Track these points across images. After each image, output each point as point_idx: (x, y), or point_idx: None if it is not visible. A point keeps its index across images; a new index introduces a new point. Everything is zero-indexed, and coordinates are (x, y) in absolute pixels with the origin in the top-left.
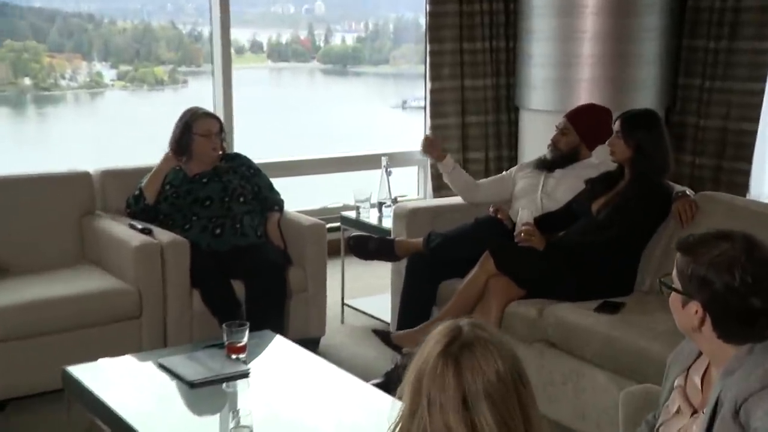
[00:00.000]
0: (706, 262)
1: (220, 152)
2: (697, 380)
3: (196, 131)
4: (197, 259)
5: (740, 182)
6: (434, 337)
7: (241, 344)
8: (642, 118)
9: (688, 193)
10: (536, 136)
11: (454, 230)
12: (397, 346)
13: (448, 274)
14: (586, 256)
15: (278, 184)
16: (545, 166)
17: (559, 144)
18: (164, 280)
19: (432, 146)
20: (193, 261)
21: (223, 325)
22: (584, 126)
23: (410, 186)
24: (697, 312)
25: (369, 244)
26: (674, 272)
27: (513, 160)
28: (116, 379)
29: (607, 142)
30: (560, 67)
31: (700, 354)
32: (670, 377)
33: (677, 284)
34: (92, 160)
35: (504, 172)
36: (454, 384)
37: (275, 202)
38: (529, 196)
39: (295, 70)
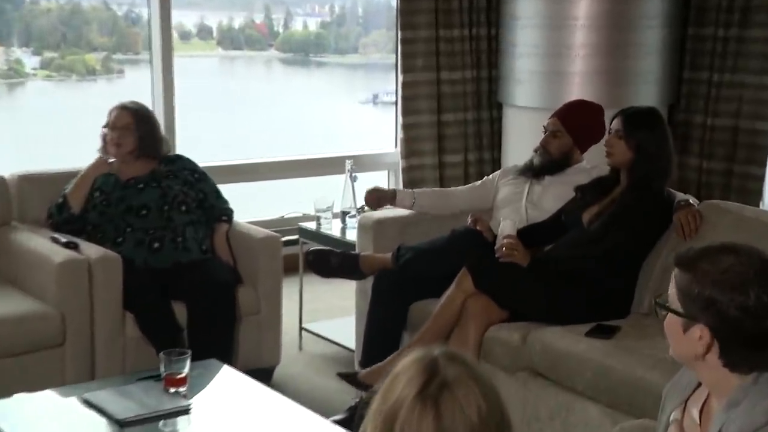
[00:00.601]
0: (710, 279)
1: (133, 151)
2: (696, 413)
3: (104, 124)
4: (131, 278)
5: (753, 189)
6: (407, 374)
7: (181, 376)
8: (644, 116)
9: (691, 201)
10: (522, 137)
11: (428, 243)
12: (367, 385)
13: (421, 293)
14: (577, 272)
15: (227, 190)
16: (532, 172)
17: (550, 147)
18: (92, 302)
19: (378, 202)
20: (126, 279)
21: (161, 354)
22: (577, 126)
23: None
24: (701, 337)
25: (331, 260)
26: (671, 291)
27: (496, 164)
28: (34, 417)
29: (603, 143)
30: (549, 59)
31: (699, 385)
32: (666, 410)
33: (676, 305)
34: (8, 163)
35: (485, 178)
36: (433, 428)
37: (223, 211)
38: (513, 205)
39: (249, 60)
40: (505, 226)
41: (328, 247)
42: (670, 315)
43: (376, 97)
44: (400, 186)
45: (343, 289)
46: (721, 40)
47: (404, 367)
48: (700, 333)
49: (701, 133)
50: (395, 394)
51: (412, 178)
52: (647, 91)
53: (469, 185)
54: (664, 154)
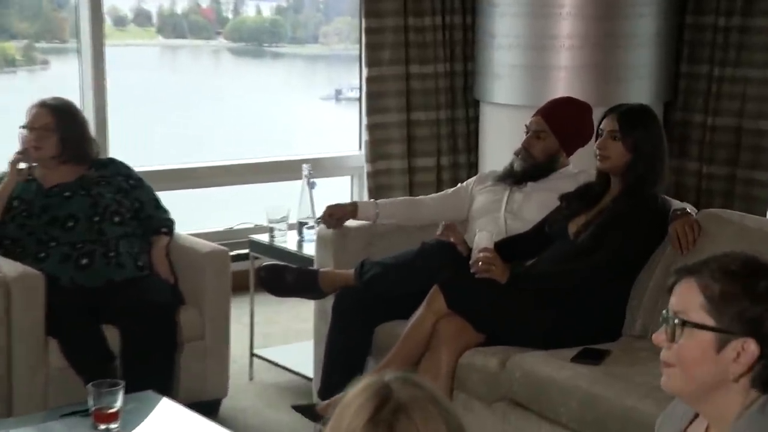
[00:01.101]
0: (756, 290)
1: (56, 155)
2: None
3: (23, 124)
4: (56, 298)
5: (758, 196)
6: (356, 400)
7: (112, 410)
8: (639, 114)
9: (688, 210)
10: (501, 138)
11: (395, 258)
12: (327, 418)
13: (387, 314)
14: (562, 290)
15: (167, 198)
16: (513, 177)
17: (534, 150)
18: (9, 326)
19: (338, 223)
20: (49, 301)
21: (89, 386)
22: (564, 127)
23: (341, 201)
24: (739, 356)
25: (286, 277)
26: (683, 305)
27: (472, 168)
28: None
29: (596, 145)
30: (532, 51)
31: (695, 416)
32: None
33: (701, 319)
34: None
35: (459, 185)
36: None
37: (162, 222)
38: (490, 214)
39: (194, 50)
40: (482, 238)
41: (282, 263)
42: (692, 335)
43: (338, 92)
44: (365, 193)
45: (300, 310)
46: (723, 30)
47: (353, 395)
48: (740, 349)
49: (700, 133)
50: (344, 424)
51: (378, 185)
52: (640, 86)
53: (441, 193)
54: (659, 156)
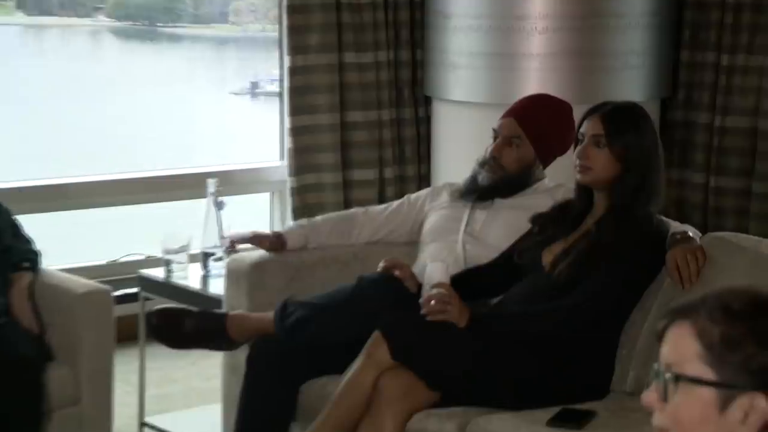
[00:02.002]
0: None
1: None
2: None
3: None
4: None
5: None
6: None
7: None
8: (628, 115)
9: (691, 234)
10: (459, 144)
11: (326, 297)
12: None
13: (316, 369)
14: (535, 336)
15: (30, 224)
16: (477, 193)
17: (505, 160)
18: None
19: (264, 244)
20: None
21: None
22: (544, 132)
23: (258, 225)
24: (747, 416)
25: (185, 323)
26: (676, 356)
27: (423, 182)
28: None
29: (575, 153)
30: (497, 34)
31: None
32: None
33: (697, 372)
34: None
35: (406, 198)
36: None
37: (23, 255)
38: (446, 239)
39: (65, 31)
40: (435, 270)
41: (181, 305)
42: (689, 392)
43: (254, 86)
44: (288, 215)
45: (205, 366)
46: (732, 8)
47: None
48: (747, 407)
49: (706, 137)
50: None
51: (305, 204)
52: (631, 79)
53: (382, 207)
54: (654, 167)
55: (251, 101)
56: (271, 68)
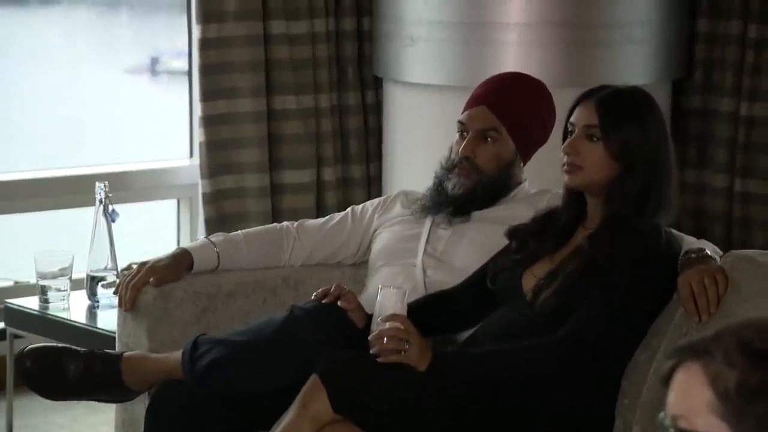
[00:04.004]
0: None
1: None
2: None
3: None
4: None
5: None
6: None
7: None
8: (629, 102)
9: (709, 253)
10: (419, 137)
11: (247, 333)
12: None
13: (236, 423)
14: (515, 382)
15: None
16: (448, 205)
17: (481, 160)
18: None
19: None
20: None
21: None
22: (525, 121)
23: (164, 240)
24: None
25: (68, 367)
26: (680, 405)
27: (373, 186)
28: None
29: (563, 149)
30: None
31: None
32: None
33: (705, 427)
34: None
35: (350, 210)
36: None
37: None
38: (401, 262)
39: None
40: (388, 298)
41: (61, 344)
42: None
43: (155, 62)
44: (200, 227)
45: (92, 422)
46: None
47: None
48: None
49: (731, 129)
50: None
51: (222, 214)
52: (634, 56)
53: (321, 221)
54: (662, 167)
55: (150, 81)
56: (174, 41)
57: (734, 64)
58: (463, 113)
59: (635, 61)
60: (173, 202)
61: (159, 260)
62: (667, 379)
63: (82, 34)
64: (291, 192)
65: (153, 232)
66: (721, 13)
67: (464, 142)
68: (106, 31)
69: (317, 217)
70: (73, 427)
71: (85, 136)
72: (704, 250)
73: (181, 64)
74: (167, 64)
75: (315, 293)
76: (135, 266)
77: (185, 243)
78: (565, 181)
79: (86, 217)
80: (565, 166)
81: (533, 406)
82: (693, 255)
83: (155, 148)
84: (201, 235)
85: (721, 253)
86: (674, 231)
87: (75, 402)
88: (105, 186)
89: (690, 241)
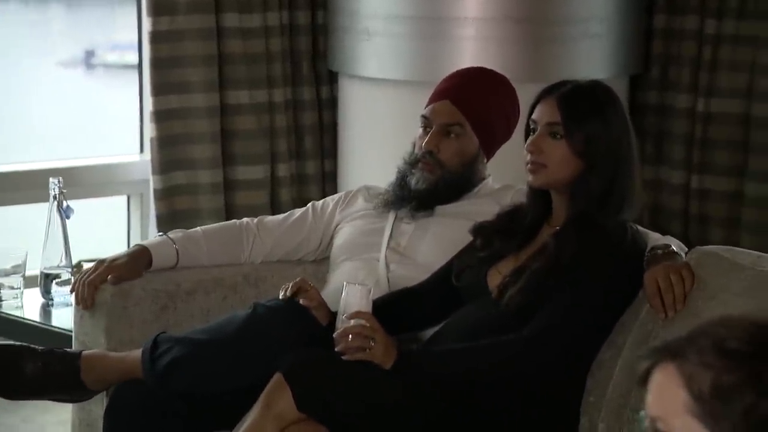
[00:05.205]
0: None
1: None
2: None
3: None
4: None
5: None
6: None
7: None
8: (590, 97)
9: (674, 249)
10: (375, 134)
11: (208, 331)
12: None
13: (197, 424)
14: (480, 380)
15: None
16: (405, 198)
17: (444, 155)
18: None
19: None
20: None
21: None
22: (489, 116)
23: (115, 237)
24: None
25: (24, 367)
26: (657, 407)
27: (329, 183)
28: None
29: (526, 146)
30: None
31: None
32: None
33: (682, 428)
34: None
35: (311, 205)
36: None
37: None
38: (364, 257)
39: None
40: (353, 295)
41: (17, 343)
42: None
43: (91, 54)
44: (152, 224)
45: (47, 422)
46: None
47: None
48: None
49: (688, 126)
50: None
51: (174, 211)
52: (592, 52)
53: (281, 217)
54: (626, 162)
55: (88, 75)
56: (116, 33)
57: (691, 60)
58: (426, 107)
59: (592, 57)
60: (123, 198)
61: (117, 257)
62: (644, 380)
63: (17, 28)
64: (244, 188)
65: (102, 229)
66: (678, 8)
67: (428, 137)
68: (42, 24)
69: (272, 214)
70: (26, 428)
71: (36, 132)
72: (670, 246)
73: (115, 57)
74: (102, 58)
75: (282, 291)
76: (85, 265)
77: (136, 240)
78: (529, 180)
79: (39, 213)
80: (529, 165)
81: (499, 405)
82: (659, 251)
83: (101, 143)
84: (152, 232)
85: (687, 249)
86: (639, 227)
87: (25, 402)
88: (59, 182)
89: (655, 238)
